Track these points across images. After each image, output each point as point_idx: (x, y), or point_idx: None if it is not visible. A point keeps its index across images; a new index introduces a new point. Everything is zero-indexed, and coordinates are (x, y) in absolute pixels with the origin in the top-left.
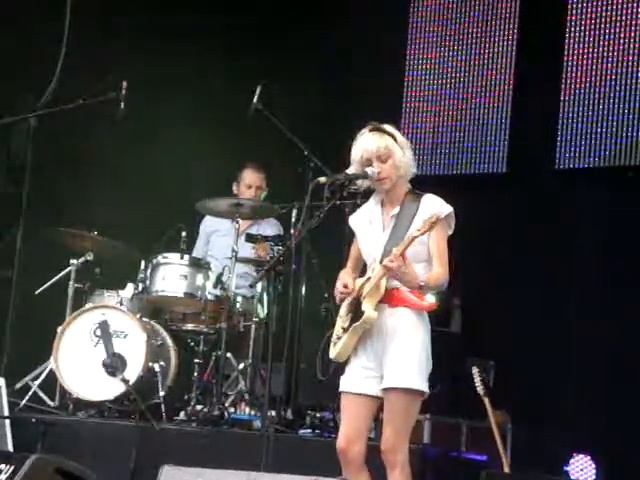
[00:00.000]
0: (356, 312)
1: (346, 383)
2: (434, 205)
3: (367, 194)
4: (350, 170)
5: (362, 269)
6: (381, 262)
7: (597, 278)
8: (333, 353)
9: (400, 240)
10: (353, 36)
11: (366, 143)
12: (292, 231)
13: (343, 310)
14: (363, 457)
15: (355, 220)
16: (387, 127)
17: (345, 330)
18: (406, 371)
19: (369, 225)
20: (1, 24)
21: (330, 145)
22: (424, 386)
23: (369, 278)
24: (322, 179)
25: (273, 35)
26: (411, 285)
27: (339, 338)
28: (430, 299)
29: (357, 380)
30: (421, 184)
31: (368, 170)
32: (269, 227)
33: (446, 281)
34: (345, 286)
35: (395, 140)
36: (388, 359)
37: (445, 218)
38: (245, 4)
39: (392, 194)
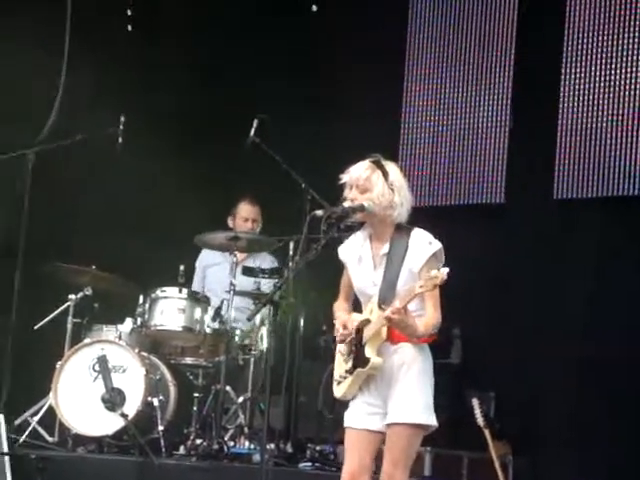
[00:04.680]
0: (358, 353)
1: (350, 419)
2: (423, 241)
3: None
4: (347, 203)
5: (355, 298)
6: (379, 307)
7: (597, 308)
8: (338, 393)
9: (394, 280)
10: (351, 67)
11: (352, 169)
12: (290, 264)
13: (344, 347)
14: None
15: (344, 253)
16: (385, 162)
17: (348, 372)
18: (412, 406)
19: (359, 262)
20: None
21: (326, 177)
22: (432, 420)
23: (368, 320)
24: (319, 212)
25: (268, 67)
26: (412, 336)
27: (344, 378)
28: None
29: (361, 416)
30: (419, 215)
31: (344, 195)
32: (264, 261)
33: (439, 322)
34: (344, 326)
35: (386, 177)
36: (394, 396)
37: (435, 255)
38: (238, 36)
39: (380, 229)
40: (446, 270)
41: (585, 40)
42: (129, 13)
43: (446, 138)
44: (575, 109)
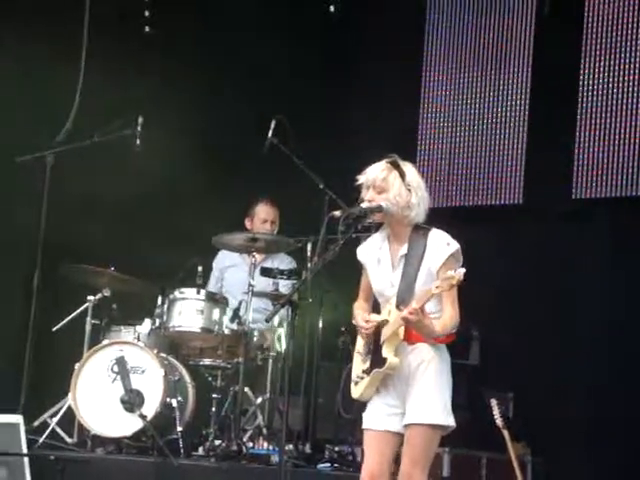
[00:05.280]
0: (376, 354)
1: (369, 420)
2: (441, 242)
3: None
4: (364, 203)
5: (375, 298)
6: (397, 307)
7: (615, 309)
8: (356, 393)
9: (412, 281)
10: (369, 67)
11: (369, 170)
12: (309, 265)
13: (361, 347)
14: None
15: (363, 253)
16: (402, 163)
17: (366, 372)
18: (430, 407)
19: (377, 264)
20: (18, 63)
21: (344, 178)
22: (450, 420)
23: (386, 321)
24: (337, 213)
25: (285, 67)
26: (429, 336)
27: (361, 378)
28: None
29: (380, 417)
30: (436, 216)
31: (362, 196)
32: (282, 262)
33: (457, 321)
34: (366, 321)
35: (403, 178)
36: (412, 396)
37: (453, 255)
38: (255, 37)
39: (398, 230)
40: (462, 271)
41: (604, 38)
42: (146, 14)
43: (464, 139)
44: (594, 108)
